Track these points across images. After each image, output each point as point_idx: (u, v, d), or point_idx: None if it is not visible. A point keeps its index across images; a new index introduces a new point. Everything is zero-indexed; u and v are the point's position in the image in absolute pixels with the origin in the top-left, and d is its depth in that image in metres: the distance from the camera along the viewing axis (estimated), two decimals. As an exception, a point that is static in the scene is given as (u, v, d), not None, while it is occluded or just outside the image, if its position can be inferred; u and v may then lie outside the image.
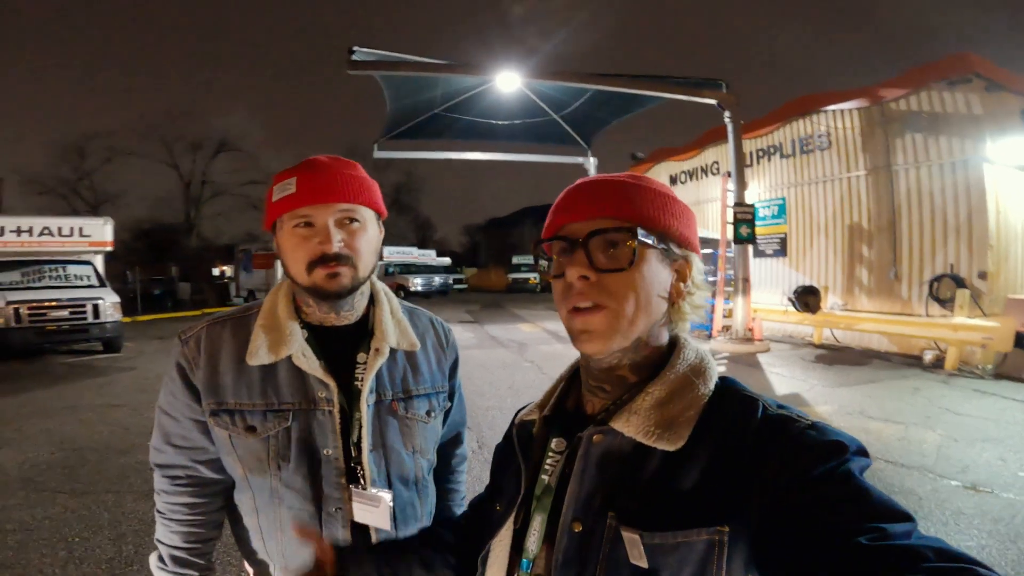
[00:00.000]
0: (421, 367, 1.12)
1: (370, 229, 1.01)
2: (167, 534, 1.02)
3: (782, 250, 11.45)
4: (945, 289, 8.11)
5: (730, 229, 9.71)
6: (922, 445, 4.44)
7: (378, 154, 13.47)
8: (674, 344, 0.69)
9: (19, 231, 10.72)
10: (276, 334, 0.99)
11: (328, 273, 0.95)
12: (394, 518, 1.02)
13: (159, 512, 1.04)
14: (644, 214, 0.63)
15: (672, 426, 0.59)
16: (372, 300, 1.10)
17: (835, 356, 8.65)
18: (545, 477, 0.68)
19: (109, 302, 9.90)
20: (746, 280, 9.60)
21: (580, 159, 14.72)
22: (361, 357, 1.03)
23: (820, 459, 0.52)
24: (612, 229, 0.62)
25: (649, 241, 0.63)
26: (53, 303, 9.38)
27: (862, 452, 0.54)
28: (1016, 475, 3.77)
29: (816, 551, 0.47)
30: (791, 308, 9.88)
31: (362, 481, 1.00)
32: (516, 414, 0.81)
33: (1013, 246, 8.15)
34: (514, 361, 8.41)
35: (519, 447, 0.74)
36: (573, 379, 0.77)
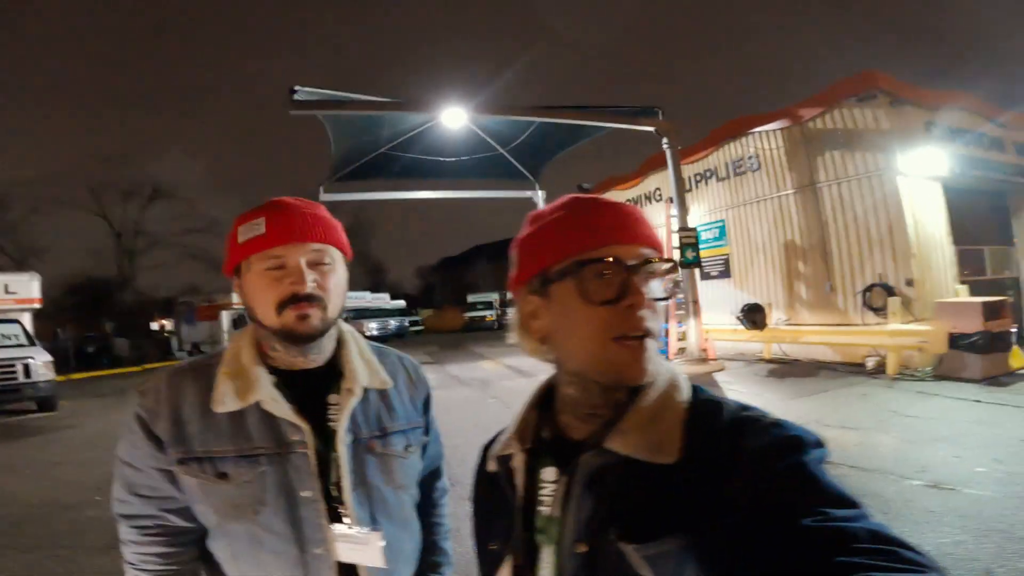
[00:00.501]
0: (395, 404, 1.11)
1: (339, 270, 1.01)
2: None
3: (726, 271, 11.90)
4: (877, 298, 8.61)
5: (676, 254, 10.04)
6: (879, 448, 4.62)
7: (324, 197, 13.21)
8: None
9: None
10: (243, 380, 0.97)
11: (298, 314, 0.94)
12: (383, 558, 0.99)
13: (130, 564, 0.98)
14: (661, 245, 0.68)
15: (665, 440, 0.62)
16: (339, 342, 1.09)
17: (786, 370, 8.99)
18: (545, 509, 0.68)
19: (40, 361, 9.42)
20: (696, 302, 9.88)
21: (528, 192, 14.97)
22: (333, 399, 1.02)
23: (783, 454, 0.56)
24: (658, 259, 0.65)
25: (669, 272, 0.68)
26: (-22, 365, 8.74)
27: (819, 444, 0.58)
28: (974, 471, 3.95)
29: (769, 531, 0.51)
30: (740, 326, 10.25)
31: (347, 520, 0.97)
32: (484, 450, 0.82)
33: (935, 253, 8.76)
34: (478, 398, 8.33)
35: (506, 483, 0.73)
36: (542, 407, 0.76)
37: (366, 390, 1.06)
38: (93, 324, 27.61)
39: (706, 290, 11.82)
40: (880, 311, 8.48)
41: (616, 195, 15.19)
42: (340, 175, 12.91)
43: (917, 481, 3.84)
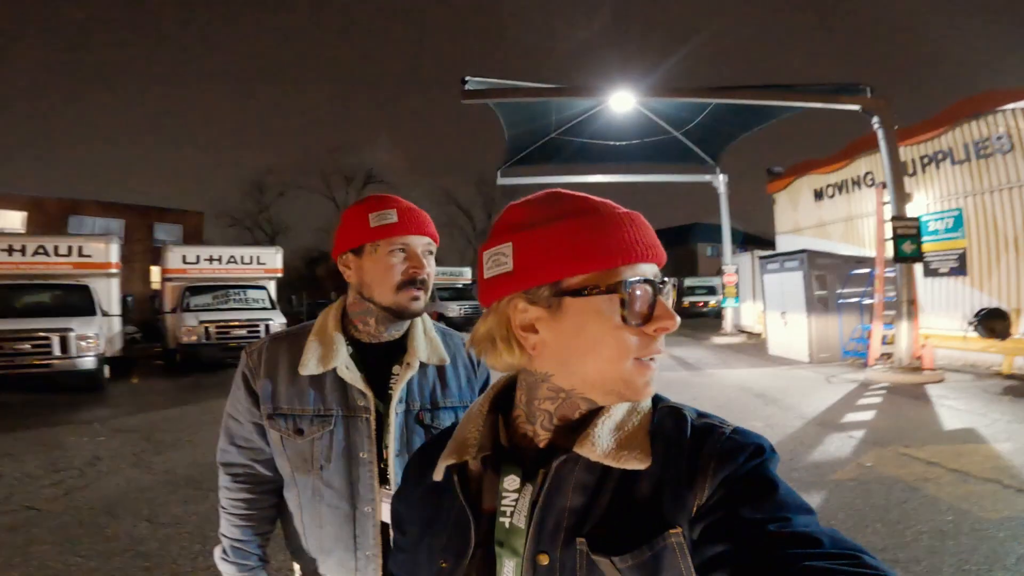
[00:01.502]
0: (450, 383, 1.21)
1: (433, 262, 1.18)
2: (229, 527, 1.16)
3: (960, 268, 9.93)
4: None
5: (889, 246, 8.63)
6: None
7: (501, 181, 13.92)
8: None
9: (211, 259, 12.74)
10: (325, 348, 1.12)
11: (412, 296, 1.11)
12: None
13: (222, 507, 1.18)
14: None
15: (635, 445, 0.61)
16: (411, 321, 1.22)
17: (1030, 390, 7.22)
18: (505, 520, 0.63)
19: (278, 323, 11.35)
20: (912, 302, 8.42)
21: (708, 176, 14.05)
22: (396, 370, 1.15)
23: (744, 460, 0.57)
24: (668, 277, 0.64)
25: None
26: (235, 323, 11.00)
27: (773, 451, 0.60)
28: None
29: (737, 537, 0.53)
30: (973, 333, 8.49)
31: (389, 482, 1.11)
32: (420, 455, 0.77)
33: None
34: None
35: (457, 493, 0.67)
36: (495, 417, 0.71)
37: (424, 365, 1.17)
38: (323, 292, 32.83)
39: (930, 289, 10.01)
40: None
41: (814, 180, 13.58)
42: (514, 160, 13.40)
43: None
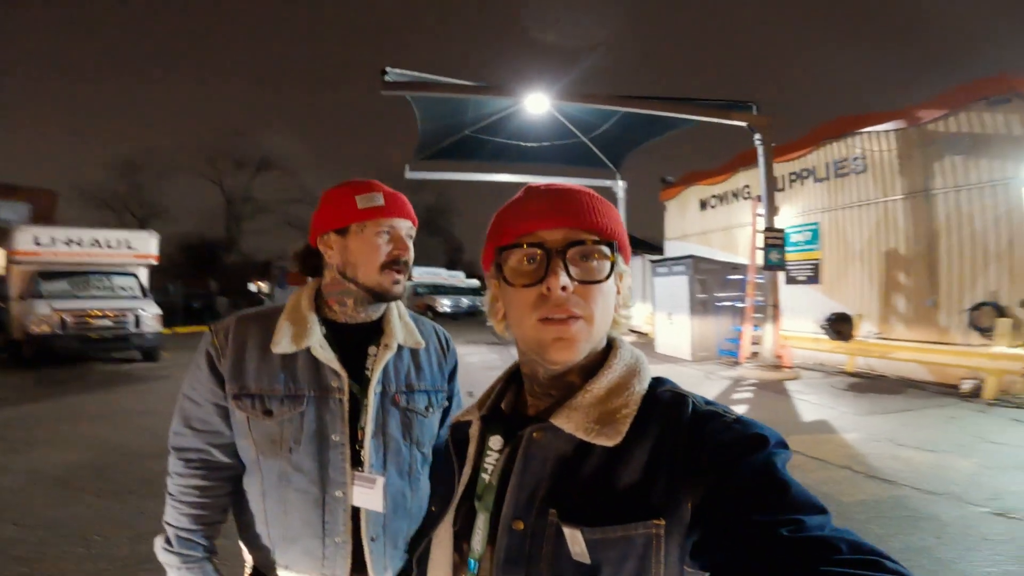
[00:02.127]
0: (423, 366, 1.23)
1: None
2: (176, 516, 1.09)
3: (815, 276, 11.15)
4: (985, 318, 7.77)
5: (760, 254, 9.54)
6: (953, 473, 4.27)
7: (409, 175, 13.73)
8: (610, 346, 0.70)
9: (69, 242, 11.22)
10: (298, 327, 1.10)
11: (394, 279, 1.12)
12: (384, 503, 1.09)
13: (170, 494, 1.11)
14: (608, 226, 0.65)
15: (610, 422, 0.61)
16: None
17: (868, 385, 8.35)
18: (485, 476, 0.68)
19: (150, 313, 10.32)
20: (776, 306, 9.38)
21: (609, 182, 14.73)
22: (372, 350, 1.15)
23: (745, 452, 0.54)
24: (591, 242, 0.63)
25: (618, 251, 0.66)
26: (97, 312, 9.82)
27: (783, 445, 0.56)
28: (1051, 505, 3.57)
29: (743, 541, 0.50)
30: (823, 335, 9.62)
31: (363, 465, 1.09)
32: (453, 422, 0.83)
33: (1058, 273, 7.77)
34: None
35: (453, 448, 0.75)
36: (510, 382, 0.77)
37: (400, 347, 1.18)
38: (201, 282, 30.27)
39: (791, 295, 11.18)
40: (987, 332, 7.65)
41: (701, 191, 14.64)
42: (425, 155, 13.28)
43: (984, 508, 3.55)
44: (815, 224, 11.16)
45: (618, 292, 0.68)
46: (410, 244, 1.16)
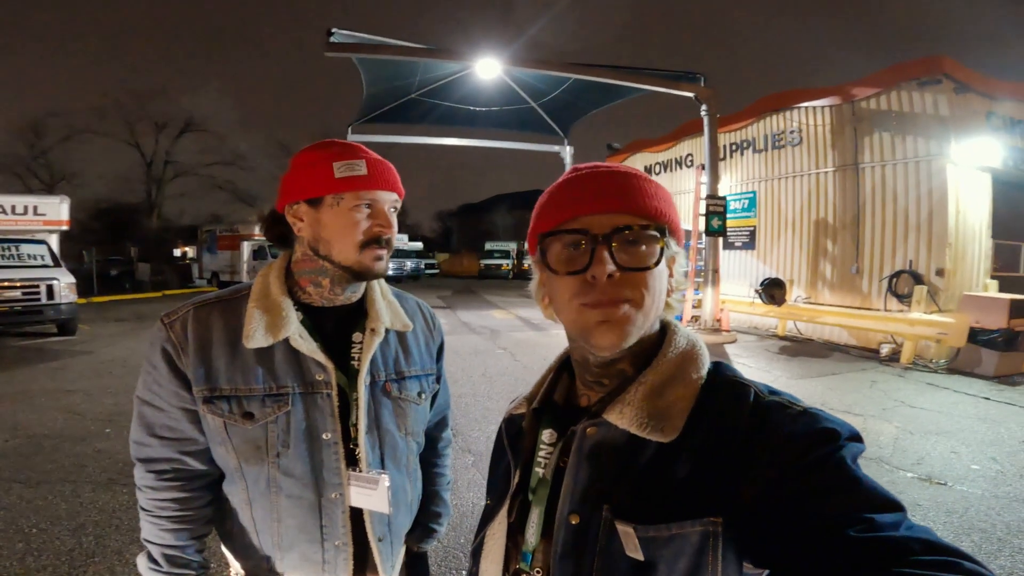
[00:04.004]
0: (412, 349, 1.12)
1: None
2: (156, 532, 0.97)
3: (751, 243, 11.69)
4: (903, 285, 8.41)
5: (702, 221, 9.85)
6: (879, 437, 4.61)
7: (351, 137, 13.19)
8: (664, 331, 0.67)
9: (-33, 208, 10.15)
10: (272, 316, 0.96)
11: (376, 256, 0.98)
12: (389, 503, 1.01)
13: (144, 510, 0.98)
14: (658, 208, 0.62)
15: (666, 416, 0.58)
16: (367, 284, 1.11)
17: (798, 348, 8.92)
18: (539, 470, 0.67)
19: (64, 283, 9.51)
20: (716, 271, 9.78)
21: (556, 147, 14.71)
22: (357, 337, 1.03)
23: (812, 446, 0.51)
24: (639, 227, 0.60)
25: (669, 235, 0.63)
26: (5, 283, 8.95)
27: (855, 438, 0.53)
28: (969, 468, 3.95)
29: (807, 541, 0.47)
30: (758, 300, 10.14)
31: (359, 464, 0.99)
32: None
33: (971, 245, 8.49)
34: (487, 348, 8.41)
35: (508, 441, 0.74)
36: (561, 372, 0.75)
37: (387, 331, 1.07)
38: (118, 248, 28.21)
39: (728, 260, 11.66)
40: (905, 298, 8.30)
41: (646, 158, 14.86)
42: (370, 117, 12.79)
43: (910, 473, 3.84)
44: (752, 193, 11.63)
45: (670, 275, 0.65)
46: (394, 219, 1.02)
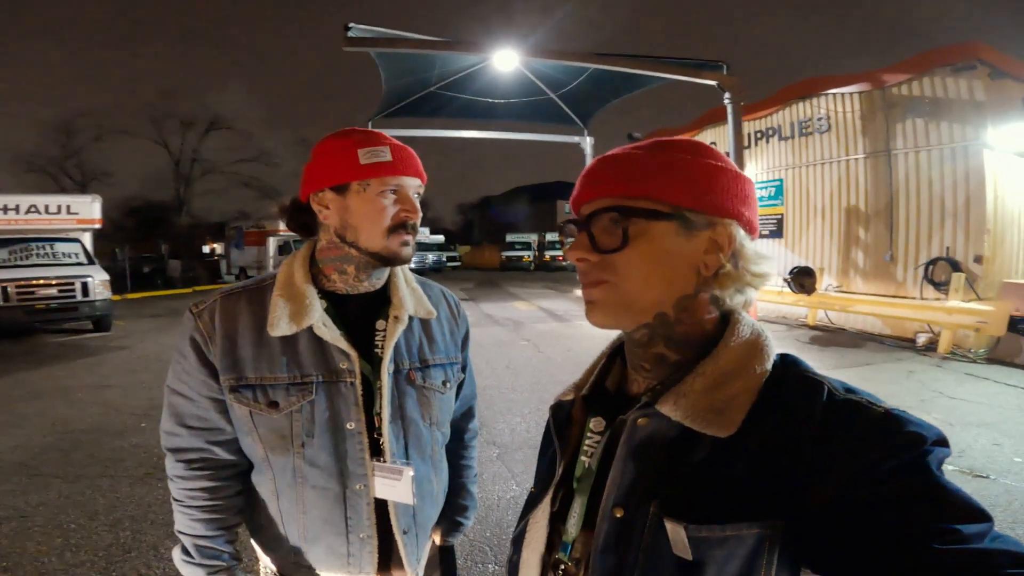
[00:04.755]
0: (436, 337, 1.11)
1: None
2: (188, 523, 0.98)
3: (778, 231, 11.45)
4: (940, 272, 8.14)
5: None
6: (919, 429, 4.48)
7: (372, 131, 13.27)
8: (726, 320, 0.63)
9: (5, 209, 10.47)
10: (296, 304, 0.96)
11: (403, 241, 0.99)
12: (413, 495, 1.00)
13: (176, 500, 1.00)
14: (642, 189, 0.59)
15: (724, 410, 0.55)
16: (391, 271, 1.10)
17: (830, 338, 8.71)
18: (585, 459, 0.66)
19: (98, 280, 9.77)
20: (743, 261, 9.58)
21: (577, 138, 14.57)
22: (380, 324, 1.02)
23: (894, 451, 0.47)
24: (602, 210, 0.61)
25: (647, 215, 0.59)
26: (41, 281, 9.25)
27: (942, 442, 0.49)
28: (1012, 460, 3.81)
29: (884, 551, 0.44)
30: (786, 289, 9.92)
31: (383, 454, 0.98)
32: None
33: (1010, 231, 8.19)
34: (510, 339, 8.40)
35: (555, 429, 0.72)
36: (613, 357, 0.73)
37: (410, 319, 1.06)
38: (150, 246, 28.92)
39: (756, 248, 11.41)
40: (942, 286, 8.02)
41: (668, 146, 14.59)
42: (389, 111, 12.83)
43: (952, 466, 3.72)
44: (779, 180, 11.37)
45: (719, 251, 0.60)
46: (418, 204, 1.02)
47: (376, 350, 1.00)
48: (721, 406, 0.55)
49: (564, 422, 0.72)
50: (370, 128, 1.02)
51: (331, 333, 0.96)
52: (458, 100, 12.93)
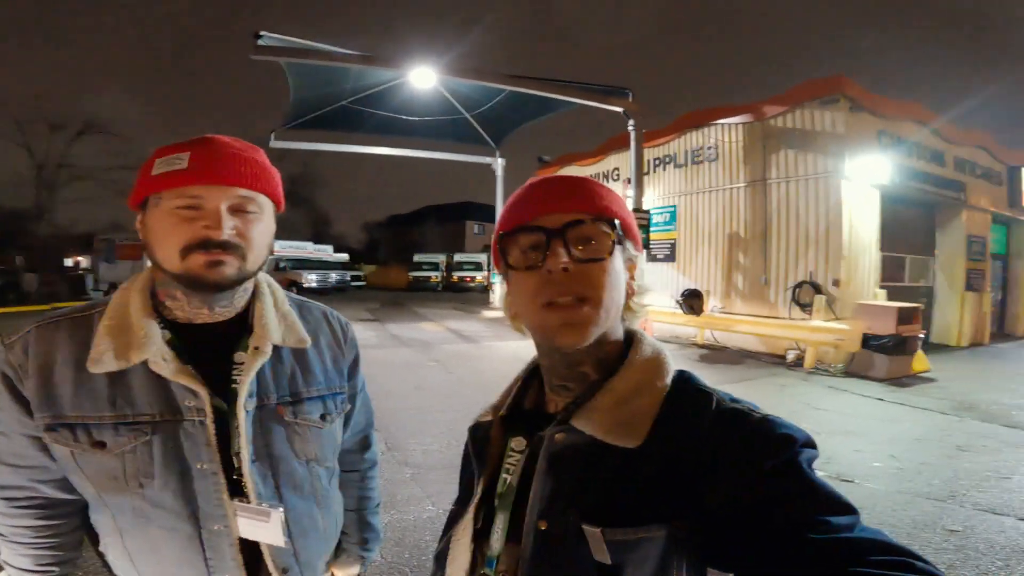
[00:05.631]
0: (313, 366, 1.01)
1: (266, 220, 0.92)
2: (14, 556, 0.89)
3: (672, 255, 12.28)
4: (805, 295, 9.16)
5: (628, 235, 10.21)
6: (792, 438, 4.99)
7: (274, 143, 12.67)
8: (630, 340, 0.70)
9: None
10: (126, 336, 0.86)
11: (209, 260, 0.84)
12: (289, 533, 0.93)
13: (1, 535, 0.90)
14: (609, 208, 0.65)
15: (632, 423, 0.60)
16: (254, 294, 0.99)
17: (716, 356, 9.46)
18: (507, 476, 0.68)
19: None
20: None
21: (489, 159, 14.82)
22: (239, 357, 0.92)
23: (771, 452, 0.54)
24: (591, 220, 0.63)
25: (616, 233, 0.65)
26: None
27: (810, 444, 0.56)
28: (871, 465, 4.31)
29: (770, 545, 0.50)
30: (678, 310, 10.65)
31: (247, 495, 0.90)
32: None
33: (863, 257, 9.35)
34: (419, 361, 8.28)
35: (473, 449, 0.75)
36: (529, 379, 0.77)
37: (278, 349, 0.96)
38: (4, 257, 25.40)
39: (650, 272, 12.05)
40: (806, 307, 9.02)
41: (574, 171, 15.16)
42: (294, 123, 12.34)
43: (821, 472, 4.09)
44: (673, 207, 12.24)
45: (631, 278, 0.69)
46: (244, 218, 0.87)
47: (234, 385, 0.90)
48: (628, 419, 0.61)
49: (483, 442, 0.74)
50: (272, 139, 0.97)
51: (172, 368, 0.86)
52: (370, 115, 12.73)
